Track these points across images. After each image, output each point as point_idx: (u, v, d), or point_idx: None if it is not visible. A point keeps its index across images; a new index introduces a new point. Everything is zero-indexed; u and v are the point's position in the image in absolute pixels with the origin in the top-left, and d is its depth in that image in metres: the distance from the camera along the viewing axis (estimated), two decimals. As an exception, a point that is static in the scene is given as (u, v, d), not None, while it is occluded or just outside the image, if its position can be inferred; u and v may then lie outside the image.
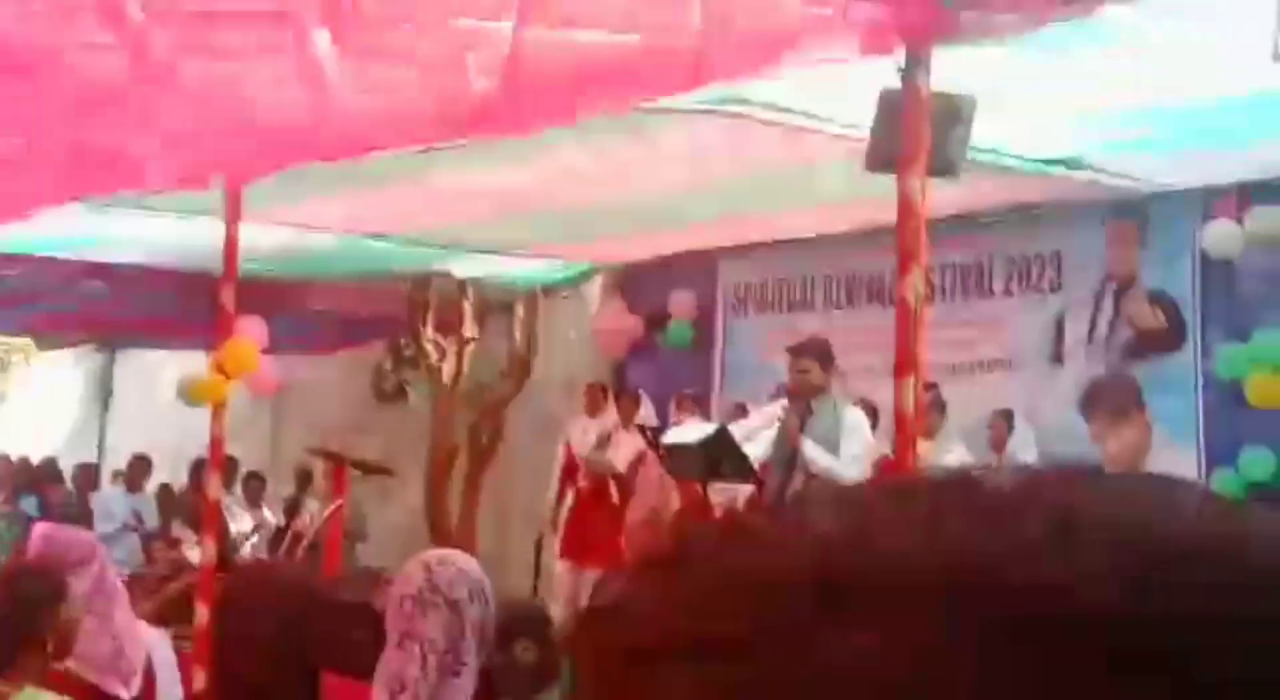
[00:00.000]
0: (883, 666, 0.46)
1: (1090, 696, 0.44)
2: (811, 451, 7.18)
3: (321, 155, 6.65)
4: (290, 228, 10.07)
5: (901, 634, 0.46)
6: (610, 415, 10.81)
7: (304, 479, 13.34)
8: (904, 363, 4.73)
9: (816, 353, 7.58)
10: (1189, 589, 0.45)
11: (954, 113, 4.88)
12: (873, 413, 9.02)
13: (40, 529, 4.56)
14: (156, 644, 4.50)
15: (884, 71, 4.81)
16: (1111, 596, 0.45)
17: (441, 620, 2.72)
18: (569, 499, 10.99)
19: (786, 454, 7.26)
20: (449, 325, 12.48)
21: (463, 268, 11.93)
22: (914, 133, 4.67)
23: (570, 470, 10.95)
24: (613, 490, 10.39)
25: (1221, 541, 0.48)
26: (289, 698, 2.90)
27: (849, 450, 7.34)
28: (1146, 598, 0.45)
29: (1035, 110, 6.80)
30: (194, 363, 15.88)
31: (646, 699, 0.50)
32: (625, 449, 10.34)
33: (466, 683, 2.75)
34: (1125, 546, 0.47)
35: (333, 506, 8.47)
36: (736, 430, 7.53)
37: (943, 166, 4.86)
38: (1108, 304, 9.30)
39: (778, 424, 7.39)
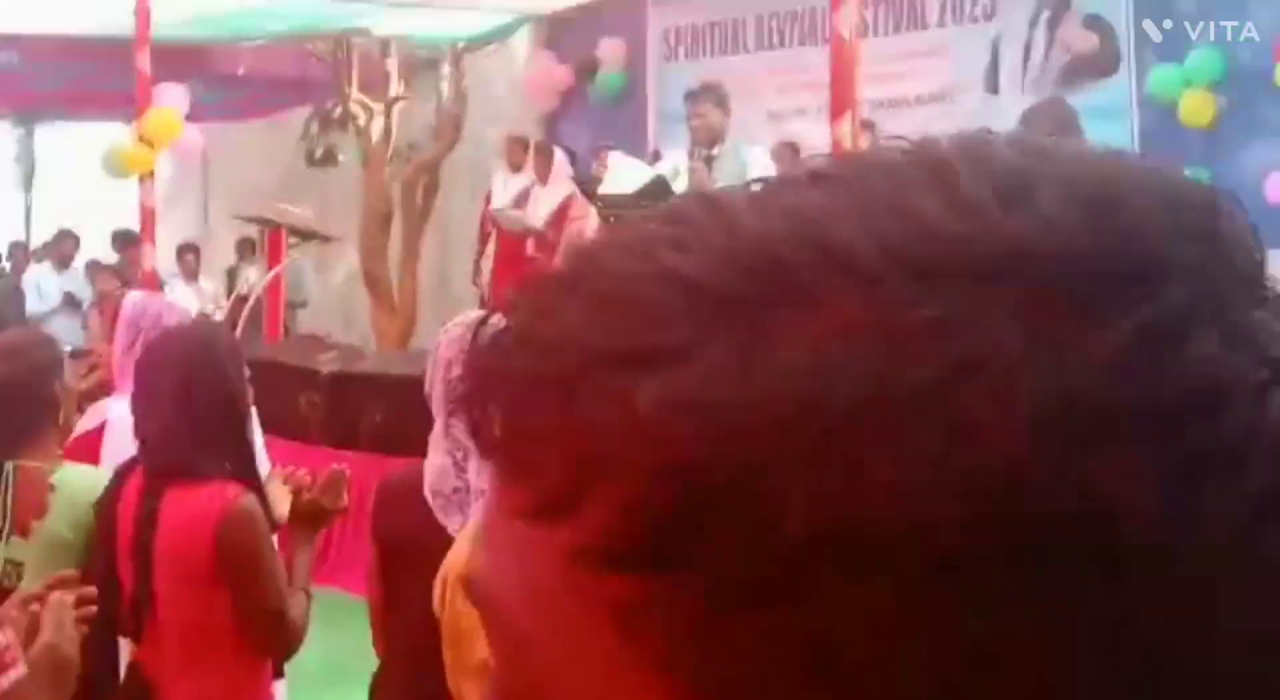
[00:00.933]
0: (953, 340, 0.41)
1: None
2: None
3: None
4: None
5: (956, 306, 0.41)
6: (531, 171, 10.69)
7: (246, 248, 13.24)
8: (841, 100, 4.69)
9: (713, 97, 7.52)
10: None
11: None
12: (794, 153, 8.98)
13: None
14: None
15: None
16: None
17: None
18: (489, 255, 10.93)
19: None
20: (374, 85, 12.21)
21: (385, 24, 11.62)
22: None
23: (487, 228, 10.88)
24: (529, 246, 10.36)
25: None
26: (221, 453, 2.89)
27: None
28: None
29: None
30: (116, 133, 15.64)
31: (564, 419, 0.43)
32: (542, 205, 10.26)
33: None
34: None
35: (271, 273, 8.40)
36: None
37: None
38: (1042, 30, 9.21)
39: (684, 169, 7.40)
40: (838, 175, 0.46)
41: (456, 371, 2.70)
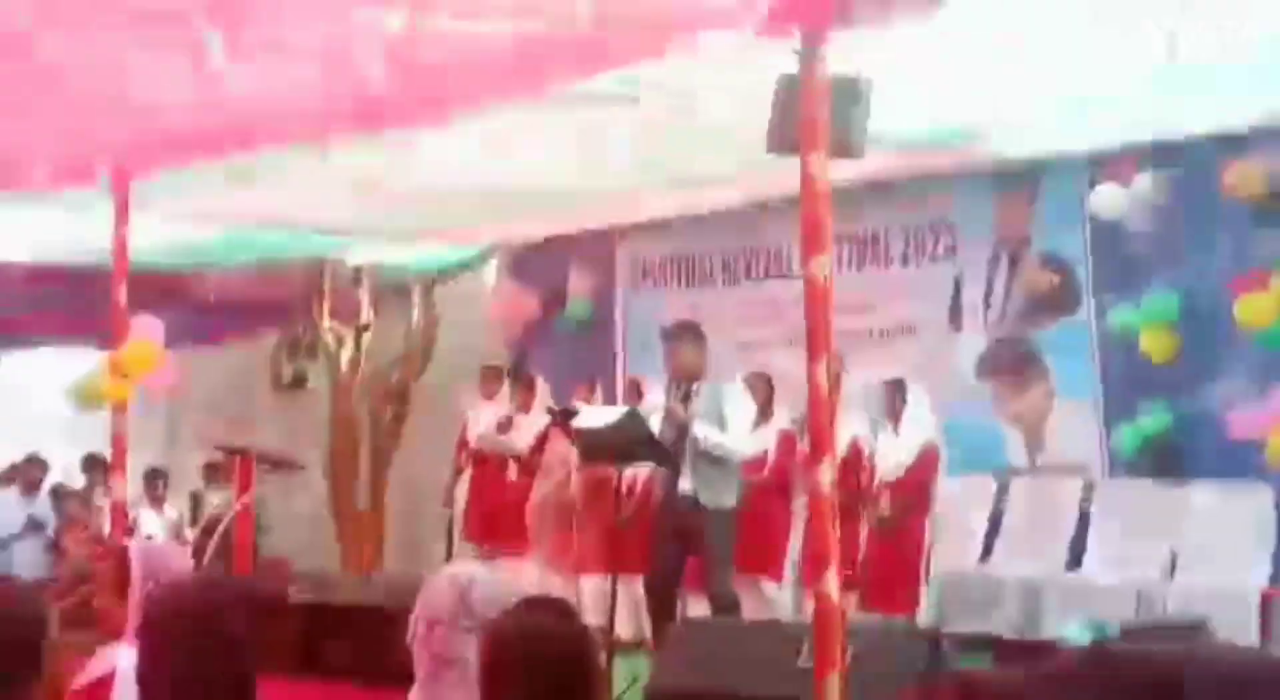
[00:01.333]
0: None
1: None
2: (700, 429, 7.29)
3: (211, 151, 6.55)
4: (178, 221, 9.89)
5: None
6: (506, 398, 10.76)
7: (212, 472, 13.17)
8: (816, 343, 4.76)
9: (689, 336, 7.67)
10: None
11: (853, 94, 4.91)
12: (767, 384, 9.09)
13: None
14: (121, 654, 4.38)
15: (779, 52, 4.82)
16: None
17: (477, 644, 2.66)
18: (464, 481, 10.92)
19: (676, 434, 7.35)
20: (345, 312, 12.38)
21: (357, 254, 11.81)
22: (812, 116, 4.70)
23: (463, 453, 10.90)
24: (512, 471, 10.37)
25: None
26: None
27: (736, 426, 7.46)
28: None
29: (925, 83, 6.86)
30: (80, 361, 15.63)
31: None
32: (526, 432, 10.32)
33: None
34: None
35: (240, 503, 8.35)
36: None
37: (843, 148, 4.88)
38: (1003, 269, 9.43)
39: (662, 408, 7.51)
40: None
41: (439, 631, 2.70)
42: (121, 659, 3.68)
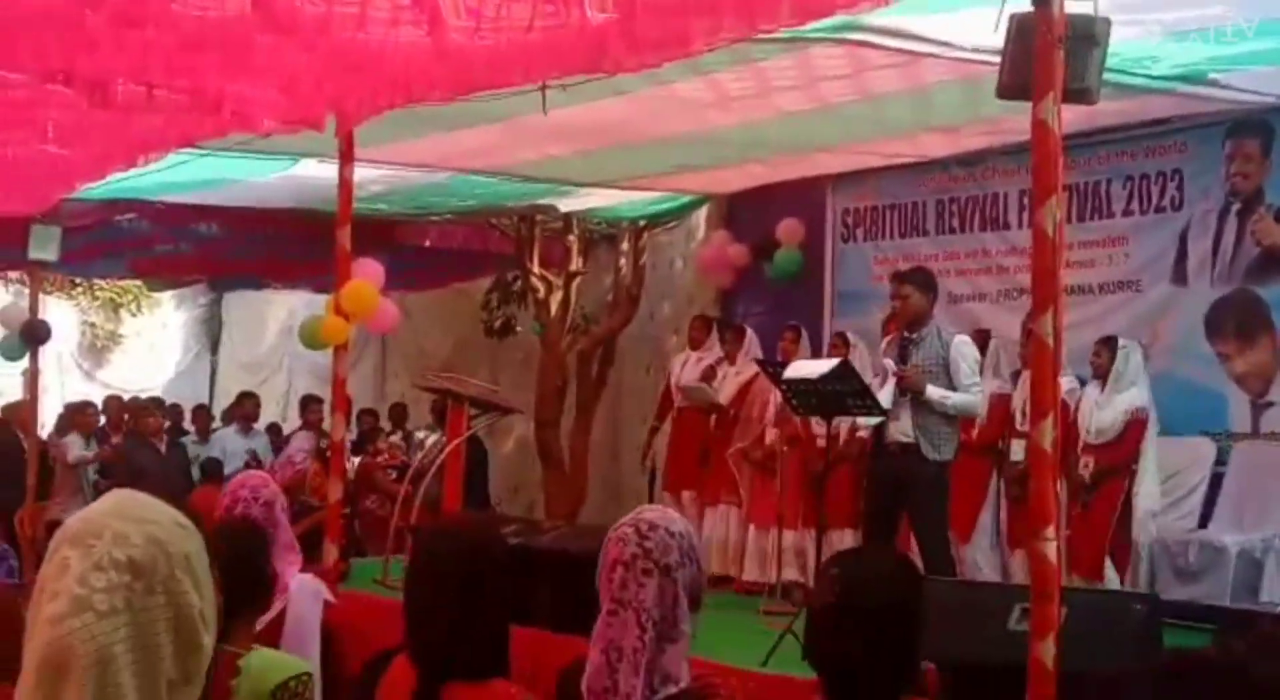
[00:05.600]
0: None
1: None
2: (934, 393, 7.16)
3: (438, 95, 6.62)
4: (397, 166, 10.09)
5: None
6: (715, 348, 10.76)
7: (401, 414, 13.55)
8: (1043, 295, 4.64)
9: (918, 280, 7.52)
10: None
11: (1089, 35, 4.73)
12: (985, 338, 8.91)
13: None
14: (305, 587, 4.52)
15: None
16: None
17: (654, 587, 2.69)
18: (666, 431, 10.96)
19: (906, 397, 7.25)
20: (555, 259, 12.50)
21: (567, 202, 11.90)
22: (1047, 58, 4.55)
23: (668, 403, 10.93)
24: (711, 422, 10.37)
25: None
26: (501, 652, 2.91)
27: (967, 378, 7.30)
28: None
29: (1156, 25, 6.62)
30: (299, 303, 16.17)
31: None
32: (730, 383, 10.29)
33: (683, 647, 2.73)
34: None
35: (453, 444, 8.52)
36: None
37: (1079, 92, 4.71)
38: (1232, 222, 9.07)
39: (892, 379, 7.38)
40: None
41: (620, 573, 2.71)
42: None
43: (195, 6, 5.46)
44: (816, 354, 9.78)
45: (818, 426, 8.64)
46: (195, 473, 12.80)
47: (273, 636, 4.07)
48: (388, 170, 10.15)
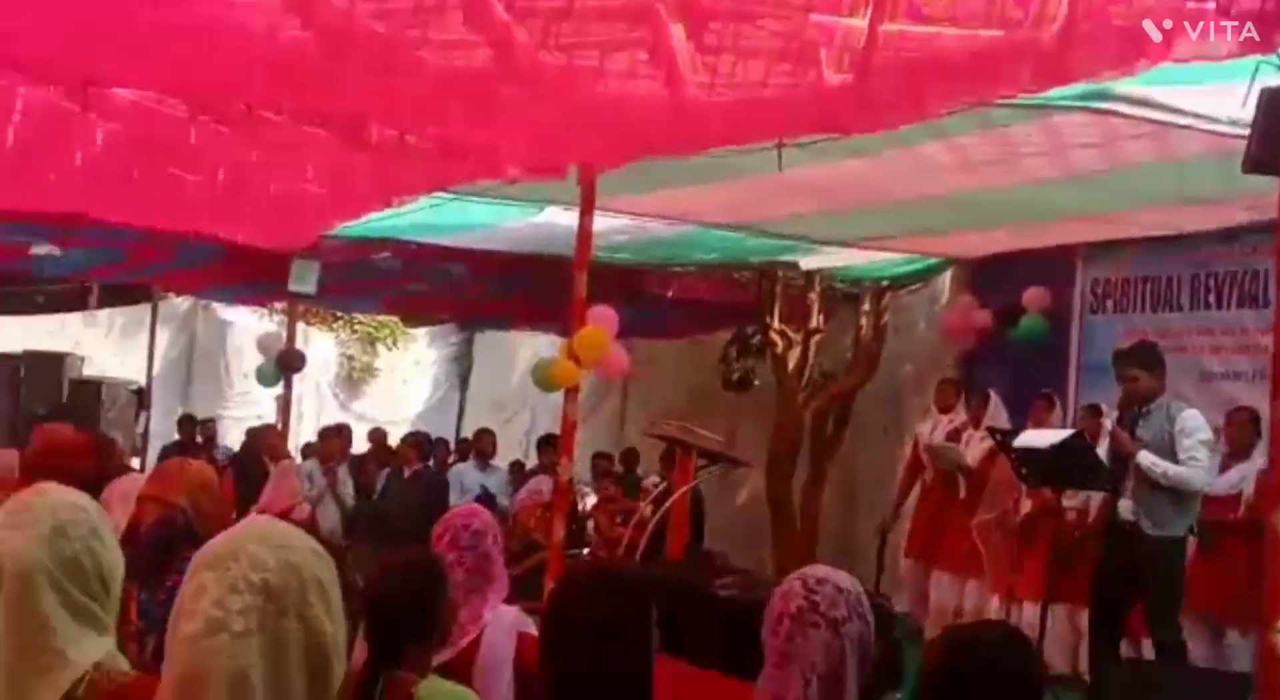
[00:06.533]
0: None
1: None
2: (1145, 459, 6.91)
3: (674, 148, 6.71)
4: (640, 217, 10.25)
5: None
6: (961, 413, 10.61)
7: (631, 458, 13.66)
8: (1280, 373, 4.45)
9: (1143, 358, 7.29)
10: None
11: (1344, 108, 4.56)
12: (1251, 419, 8.57)
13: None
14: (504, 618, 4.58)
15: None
16: None
17: (821, 641, 2.66)
18: (913, 495, 10.82)
19: (1121, 459, 7.02)
20: (796, 315, 12.49)
21: (809, 260, 11.91)
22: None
23: (915, 467, 10.80)
24: (961, 486, 10.19)
25: None
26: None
27: (1186, 452, 7.04)
28: None
29: None
30: (544, 345, 16.52)
31: None
32: (975, 448, 10.13)
33: None
34: None
35: (680, 492, 8.57)
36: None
37: (1329, 168, 4.55)
38: None
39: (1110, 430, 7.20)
40: None
41: (787, 625, 2.68)
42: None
43: (443, 56, 5.66)
44: (1065, 425, 9.55)
45: (1068, 498, 8.43)
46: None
47: (465, 663, 4.14)
48: (631, 220, 10.31)
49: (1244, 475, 8.26)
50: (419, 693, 3.21)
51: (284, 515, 11.44)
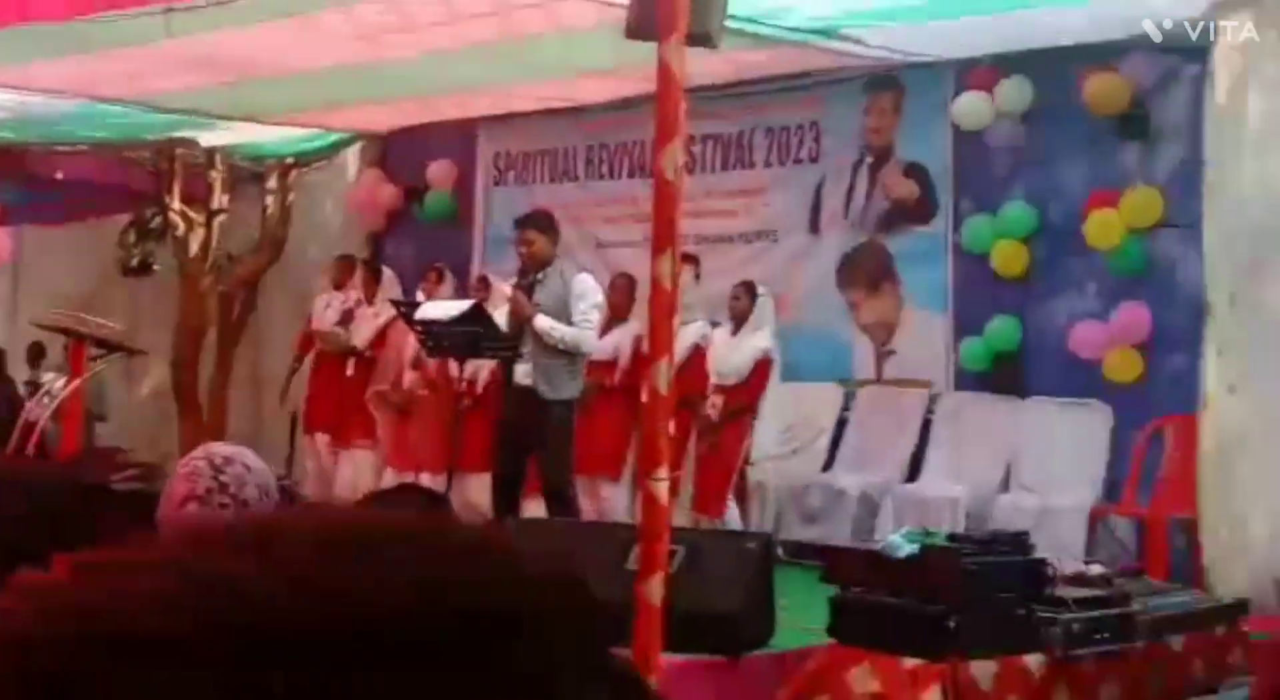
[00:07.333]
0: None
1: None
2: (542, 323, 7.14)
3: (50, 12, 6.24)
4: (18, 91, 9.50)
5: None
6: (357, 290, 10.62)
7: (36, 353, 12.82)
8: (662, 235, 4.66)
9: (540, 224, 7.53)
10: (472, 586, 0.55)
11: (712, -20, 4.78)
12: (629, 284, 9.00)
13: None
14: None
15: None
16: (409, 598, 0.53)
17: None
18: (306, 372, 10.82)
19: (518, 328, 7.24)
20: (196, 196, 12.01)
21: (209, 136, 11.45)
22: (669, 1, 4.59)
23: (307, 344, 10.79)
24: (350, 366, 10.26)
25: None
26: None
27: (580, 316, 7.31)
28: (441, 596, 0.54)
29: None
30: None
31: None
32: (366, 326, 10.19)
33: None
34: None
35: (71, 385, 8.10)
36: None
37: (701, 37, 4.77)
38: (864, 175, 9.39)
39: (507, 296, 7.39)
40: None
41: (193, 509, 2.58)
42: None
43: None
44: (464, 297, 9.71)
45: (457, 369, 8.58)
46: None
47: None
48: (9, 95, 9.55)
49: (619, 340, 8.69)
50: None
51: None
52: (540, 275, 7.37)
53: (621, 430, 8.83)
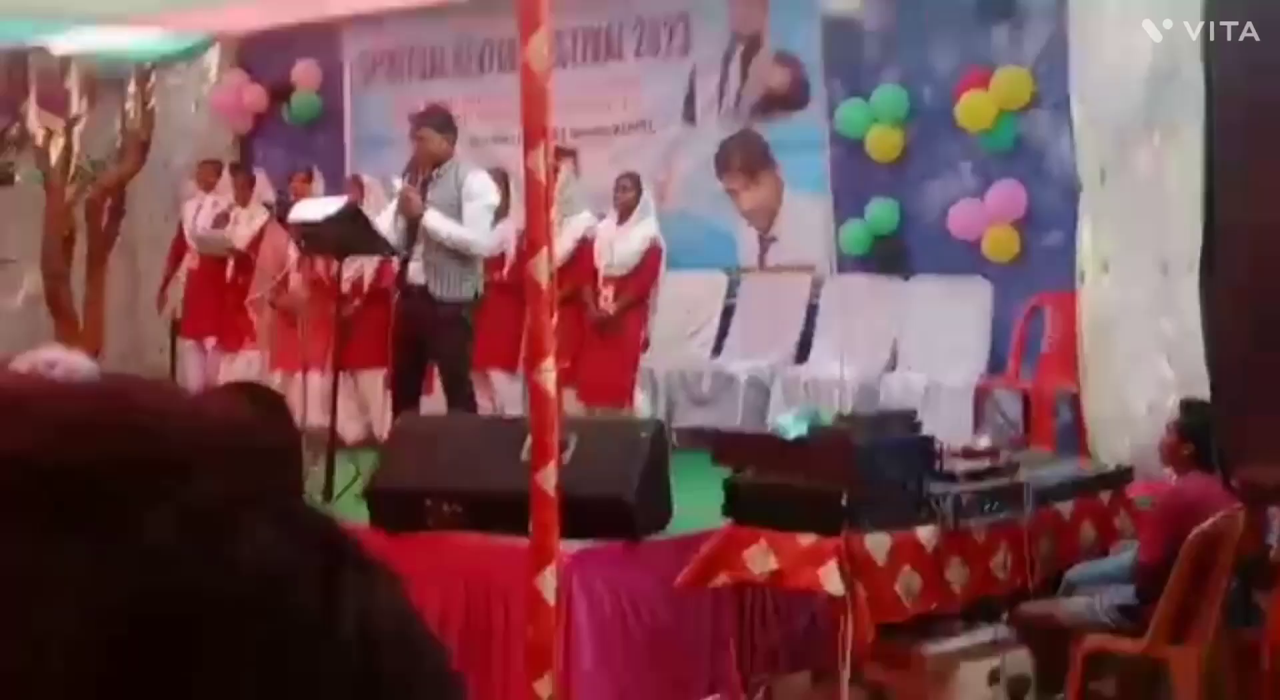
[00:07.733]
0: None
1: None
2: (432, 221, 7.05)
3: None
4: None
5: None
6: (228, 193, 10.42)
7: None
8: (533, 131, 4.62)
9: (435, 120, 7.41)
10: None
11: None
12: (504, 180, 8.91)
13: None
14: None
15: None
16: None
17: None
18: (182, 277, 10.63)
19: (408, 225, 7.13)
20: (54, 103, 11.68)
21: (64, 43, 11.10)
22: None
23: (180, 249, 10.60)
24: (229, 268, 10.11)
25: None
26: None
27: (470, 214, 7.23)
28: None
29: None
30: None
31: None
32: (244, 227, 10.04)
33: None
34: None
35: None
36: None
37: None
38: (736, 64, 9.37)
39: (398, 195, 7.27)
40: None
41: None
42: None
43: None
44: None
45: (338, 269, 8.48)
46: None
47: None
48: None
49: (504, 235, 8.63)
50: None
51: None
52: (436, 173, 7.26)
53: (514, 324, 8.79)
